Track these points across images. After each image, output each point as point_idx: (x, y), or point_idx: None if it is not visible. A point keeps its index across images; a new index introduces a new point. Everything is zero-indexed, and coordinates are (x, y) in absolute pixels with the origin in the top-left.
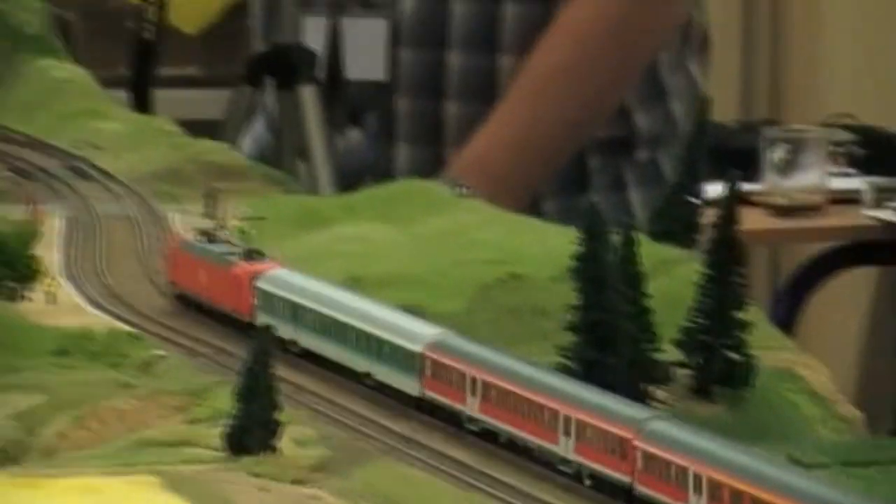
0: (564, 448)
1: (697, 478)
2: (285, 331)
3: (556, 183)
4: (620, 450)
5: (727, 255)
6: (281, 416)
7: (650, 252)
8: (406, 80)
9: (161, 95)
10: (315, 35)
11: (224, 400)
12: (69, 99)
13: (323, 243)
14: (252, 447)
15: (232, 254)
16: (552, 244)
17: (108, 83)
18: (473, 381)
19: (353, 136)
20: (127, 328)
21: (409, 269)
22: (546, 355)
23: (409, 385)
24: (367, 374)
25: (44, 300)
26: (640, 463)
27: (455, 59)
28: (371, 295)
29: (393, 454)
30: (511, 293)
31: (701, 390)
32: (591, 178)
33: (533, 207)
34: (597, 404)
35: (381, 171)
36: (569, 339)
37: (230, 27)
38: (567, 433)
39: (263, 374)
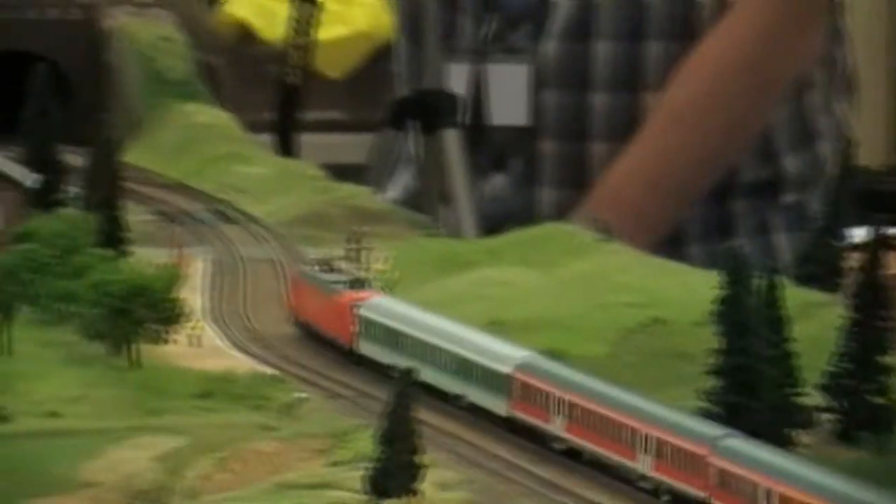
0: (643, 465)
1: (769, 494)
2: (384, 356)
3: (701, 227)
4: (696, 467)
5: (872, 299)
6: (422, 460)
7: (794, 296)
8: (550, 123)
9: (305, 140)
10: (458, 81)
11: (365, 443)
12: (214, 143)
13: (465, 287)
14: (394, 491)
15: (339, 282)
16: (695, 288)
17: (253, 128)
18: (559, 401)
19: (497, 181)
20: (269, 371)
21: (551, 312)
22: (688, 399)
23: (497, 406)
24: (460, 397)
25: (187, 343)
26: (714, 479)
27: (599, 100)
28: (513, 339)
29: (535, 498)
30: (653, 337)
31: (845, 435)
32: (737, 222)
33: (677, 251)
34: (673, 422)
35: (524, 216)
36: (711, 383)
37: (374, 72)
38: (646, 451)
39: (405, 417)
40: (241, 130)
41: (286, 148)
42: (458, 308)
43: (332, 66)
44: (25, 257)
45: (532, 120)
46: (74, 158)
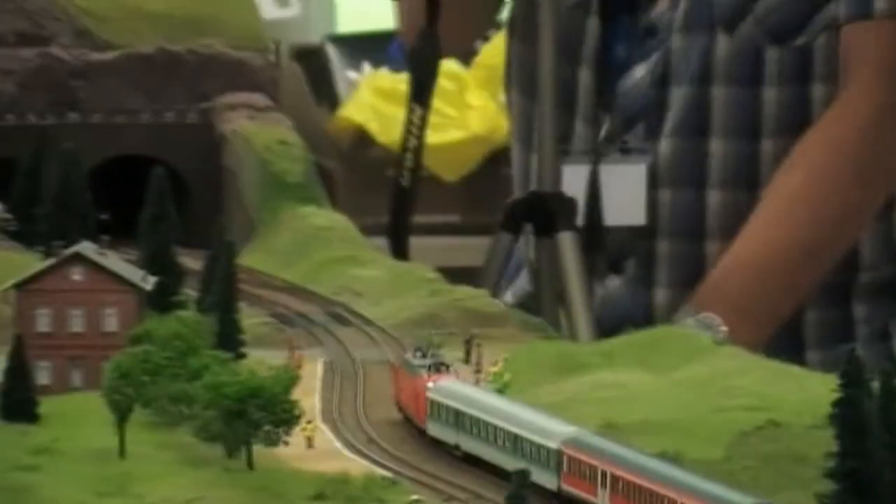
0: None
1: None
2: (448, 435)
3: (819, 333)
4: None
5: None
6: None
7: None
8: (665, 223)
9: (419, 243)
10: (573, 183)
11: None
12: (329, 246)
13: (580, 389)
14: None
15: (422, 366)
16: (812, 391)
17: (368, 230)
18: (604, 474)
19: (612, 283)
20: (384, 473)
21: (666, 415)
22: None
23: (548, 480)
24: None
25: (303, 444)
26: None
27: (714, 198)
28: (628, 442)
29: None
30: (769, 440)
31: None
32: (857, 327)
33: (796, 357)
34: (709, 493)
35: (639, 318)
36: (829, 486)
37: (489, 175)
38: None
39: None
40: (356, 233)
41: (400, 251)
42: (573, 410)
43: (446, 170)
44: (142, 359)
45: (648, 220)
46: (191, 261)
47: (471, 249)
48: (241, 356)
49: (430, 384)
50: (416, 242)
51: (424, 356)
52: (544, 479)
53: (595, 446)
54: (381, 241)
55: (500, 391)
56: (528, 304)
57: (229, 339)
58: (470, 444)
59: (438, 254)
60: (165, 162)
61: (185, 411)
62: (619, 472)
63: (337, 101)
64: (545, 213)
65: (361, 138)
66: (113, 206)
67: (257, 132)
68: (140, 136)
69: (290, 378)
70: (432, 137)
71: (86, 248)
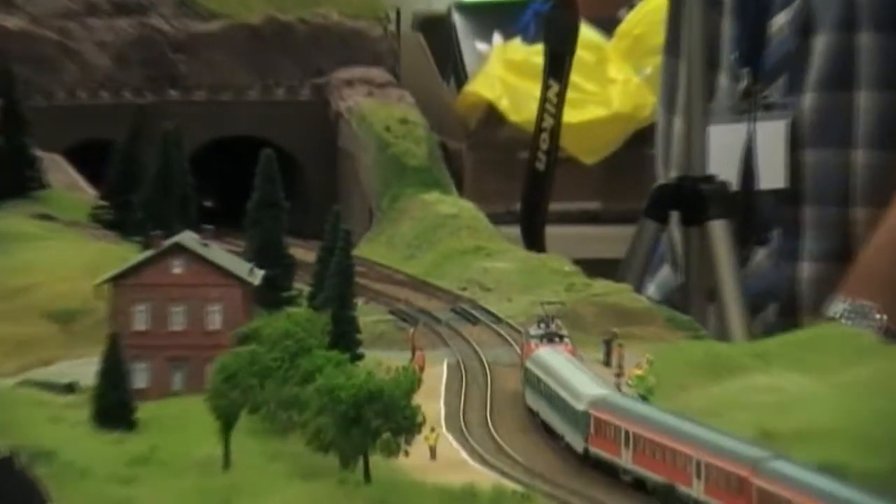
0: (696, 490)
1: None
2: (532, 401)
3: None
4: (740, 488)
5: None
6: None
7: None
8: (811, 187)
9: (554, 232)
10: (720, 141)
11: None
12: (455, 236)
13: (732, 393)
14: None
15: (534, 336)
16: None
17: (499, 219)
18: (626, 434)
19: (756, 256)
20: (514, 486)
21: (828, 422)
22: None
23: (576, 442)
24: (562, 437)
25: (425, 454)
26: (756, 500)
27: (862, 158)
28: (786, 451)
29: None
30: None
31: None
32: None
33: None
34: (719, 445)
35: (783, 294)
36: None
37: (632, 157)
38: (698, 476)
39: None
40: (485, 221)
41: (534, 241)
42: (725, 417)
43: (585, 152)
44: (249, 360)
45: (789, 182)
46: (303, 252)
47: (612, 239)
48: (358, 357)
49: (533, 353)
50: (551, 232)
51: (548, 326)
52: (575, 441)
53: (619, 406)
54: (513, 231)
55: (644, 396)
56: (675, 300)
57: (345, 338)
58: (541, 409)
59: (576, 244)
60: (275, 143)
61: (295, 418)
62: (639, 431)
63: (464, 76)
64: (694, 198)
65: (491, 116)
66: (217, 193)
67: (376, 110)
68: (247, 116)
69: (412, 381)
70: (570, 115)
71: (187, 238)
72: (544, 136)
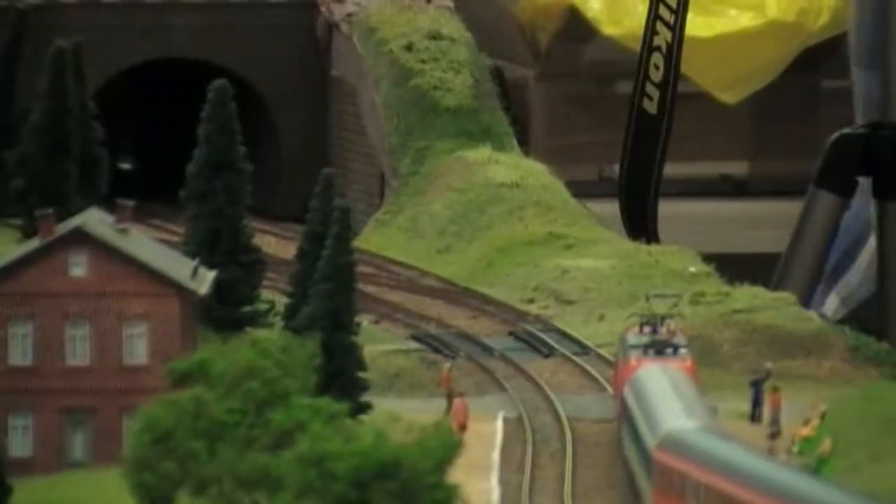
0: None
1: None
2: (630, 453)
3: None
4: None
5: None
6: None
7: None
8: None
9: (675, 210)
10: None
11: None
12: (516, 217)
13: None
14: None
15: (634, 346)
16: None
17: (586, 189)
18: (695, 487)
19: None
20: None
21: None
22: None
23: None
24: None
25: None
26: None
27: None
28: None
29: None
30: None
31: None
32: None
33: None
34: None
35: None
36: None
37: (796, 92)
38: None
39: None
40: (564, 194)
41: (641, 223)
42: None
43: (723, 84)
44: (192, 413)
45: None
46: (275, 241)
47: (765, 222)
48: (363, 407)
49: (636, 371)
50: (668, 209)
51: (655, 331)
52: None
53: (691, 445)
54: (610, 207)
55: (815, 469)
56: (864, 315)
57: (342, 378)
58: (627, 441)
59: (709, 229)
60: (231, 71)
61: (263, 503)
62: (715, 483)
63: None
64: (892, 158)
65: (574, 27)
66: (140, 149)
67: (391, 18)
68: (186, 27)
69: (448, 445)
70: (700, 27)
71: (93, 220)
72: (656, 58)
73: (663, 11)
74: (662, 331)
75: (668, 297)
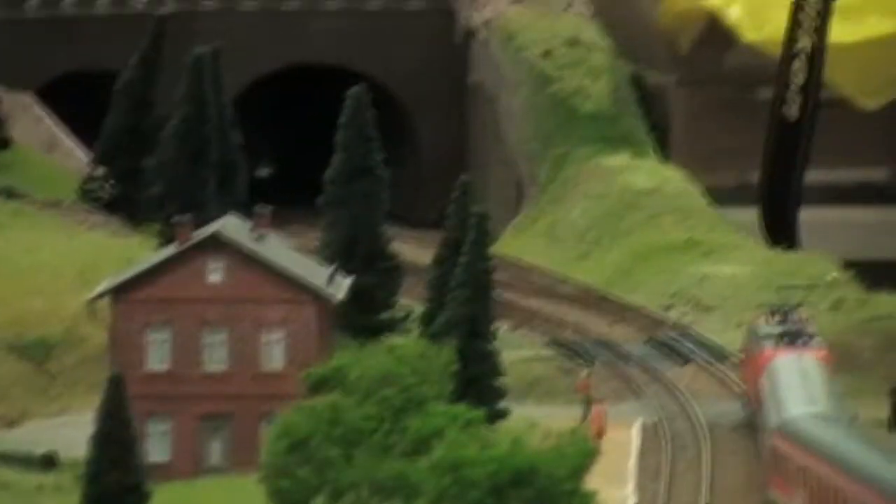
0: None
1: None
2: (760, 418)
3: None
4: None
5: None
6: None
7: None
8: None
9: (816, 216)
10: None
11: None
12: (655, 224)
13: None
14: None
15: (766, 335)
16: None
17: (726, 196)
18: (803, 473)
19: None
20: None
21: None
22: None
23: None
24: None
25: None
26: None
27: None
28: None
29: None
30: None
31: None
32: None
33: None
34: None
35: None
36: None
37: None
38: None
39: None
40: (703, 201)
41: (781, 229)
42: None
43: (866, 89)
44: (328, 419)
45: None
46: (412, 248)
47: None
48: (501, 414)
49: (774, 360)
50: (810, 216)
51: (785, 320)
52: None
53: (806, 433)
54: (749, 215)
55: None
56: None
57: (479, 385)
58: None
59: (850, 236)
60: (369, 77)
61: None
62: (822, 470)
63: None
64: None
65: (715, 34)
66: (279, 155)
67: (530, 24)
68: (325, 34)
69: (585, 453)
70: (843, 31)
71: (231, 226)
72: (798, 64)
73: (803, 17)
74: (791, 320)
75: (799, 288)
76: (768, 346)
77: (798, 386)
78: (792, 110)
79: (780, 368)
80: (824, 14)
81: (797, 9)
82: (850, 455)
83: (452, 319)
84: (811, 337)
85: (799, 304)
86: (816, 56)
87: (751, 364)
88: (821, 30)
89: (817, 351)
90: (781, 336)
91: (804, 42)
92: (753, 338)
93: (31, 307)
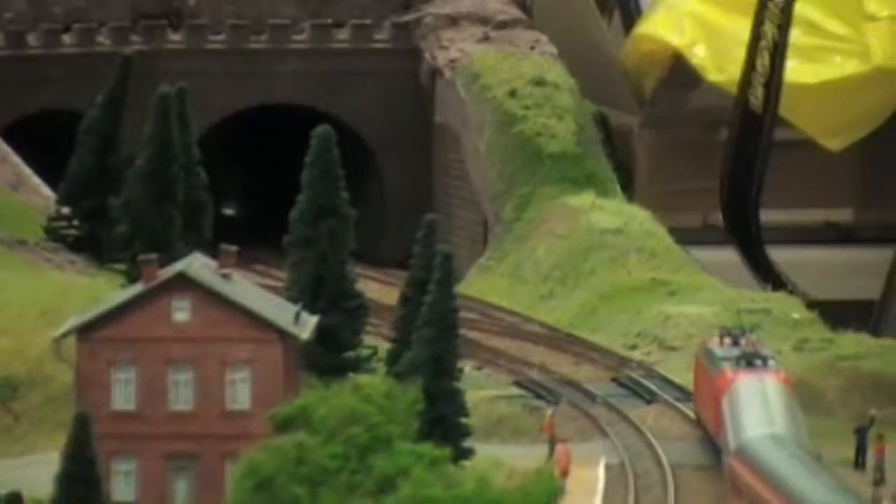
0: None
1: None
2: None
3: None
4: None
5: None
6: None
7: None
8: None
9: (781, 256)
10: None
11: None
12: (620, 263)
13: None
14: None
15: (727, 358)
16: None
17: (691, 236)
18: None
19: None
20: None
21: None
22: None
23: None
24: None
25: None
26: None
27: None
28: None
29: None
30: None
31: None
32: None
33: None
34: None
35: None
36: None
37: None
38: None
39: None
40: (668, 240)
41: (755, 265)
42: None
43: (829, 131)
44: (294, 458)
45: None
46: (377, 286)
47: (872, 269)
48: (465, 453)
49: (736, 384)
50: (775, 256)
51: (736, 343)
52: None
53: (760, 456)
54: (713, 254)
55: None
56: None
57: (445, 423)
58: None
59: (813, 275)
60: (334, 117)
61: None
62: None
63: (635, 11)
64: None
65: (679, 74)
66: (244, 195)
67: (495, 64)
68: (291, 74)
69: (550, 492)
70: (805, 73)
71: (197, 265)
72: (757, 86)
73: (768, 14)
74: (743, 343)
75: (756, 312)
76: (728, 369)
77: (759, 408)
78: (756, 103)
79: (742, 391)
80: (781, 53)
81: (757, 49)
82: (791, 479)
83: (418, 359)
84: (767, 359)
85: (751, 328)
86: (779, 50)
87: (707, 387)
88: (784, 27)
89: (776, 373)
90: (739, 359)
91: (765, 81)
92: (709, 361)
93: None
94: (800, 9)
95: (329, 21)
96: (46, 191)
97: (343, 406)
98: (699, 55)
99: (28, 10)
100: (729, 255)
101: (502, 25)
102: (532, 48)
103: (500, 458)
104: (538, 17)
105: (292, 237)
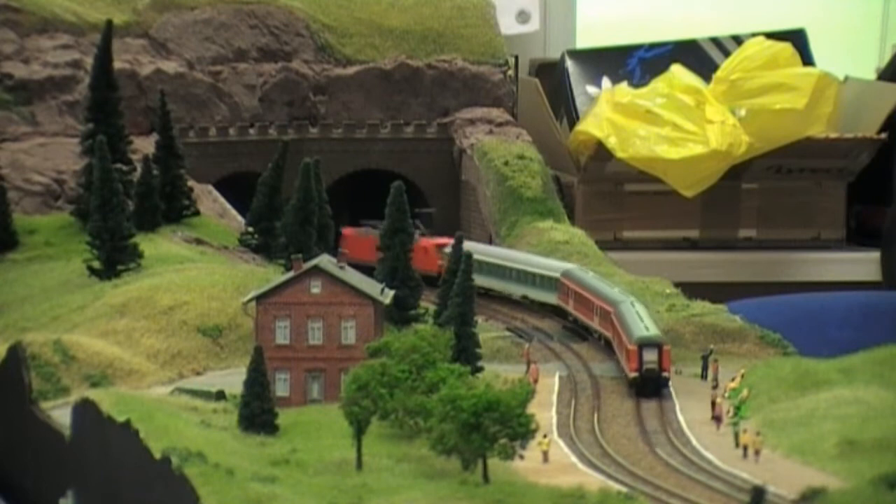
0: (596, 323)
1: None
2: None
3: None
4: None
5: None
6: None
7: None
8: None
9: (658, 257)
10: None
11: None
12: (567, 260)
13: (818, 405)
14: None
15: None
16: None
17: (607, 245)
18: (570, 290)
19: None
20: (619, 487)
21: None
22: None
23: (550, 299)
24: (525, 297)
25: (539, 458)
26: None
27: None
28: (867, 459)
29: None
30: None
31: None
32: None
33: None
34: (606, 294)
35: None
36: None
37: (727, 190)
38: (597, 315)
39: None
40: (594, 248)
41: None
42: (811, 426)
43: (685, 185)
44: (380, 372)
45: None
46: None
47: (709, 264)
48: (478, 370)
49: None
50: (655, 257)
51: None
52: (549, 298)
53: (575, 276)
54: (621, 256)
55: (738, 407)
56: None
57: (466, 352)
58: (484, 282)
59: (673, 269)
60: (404, 176)
61: (421, 424)
62: (576, 288)
63: (576, 116)
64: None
65: (600, 153)
66: (353, 221)
67: (496, 146)
68: (379, 151)
69: (527, 392)
70: (671, 152)
71: (325, 261)
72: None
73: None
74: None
75: (644, 289)
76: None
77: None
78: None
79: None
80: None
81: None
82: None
83: (451, 315)
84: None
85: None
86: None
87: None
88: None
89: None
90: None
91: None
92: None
93: (210, 306)
94: (668, 116)
95: (401, 121)
96: (240, 218)
97: (408, 342)
98: (612, 142)
99: (229, 113)
100: (630, 256)
101: (500, 125)
102: (517, 137)
103: (499, 372)
104: (521, 120)
105: (381, 244)
